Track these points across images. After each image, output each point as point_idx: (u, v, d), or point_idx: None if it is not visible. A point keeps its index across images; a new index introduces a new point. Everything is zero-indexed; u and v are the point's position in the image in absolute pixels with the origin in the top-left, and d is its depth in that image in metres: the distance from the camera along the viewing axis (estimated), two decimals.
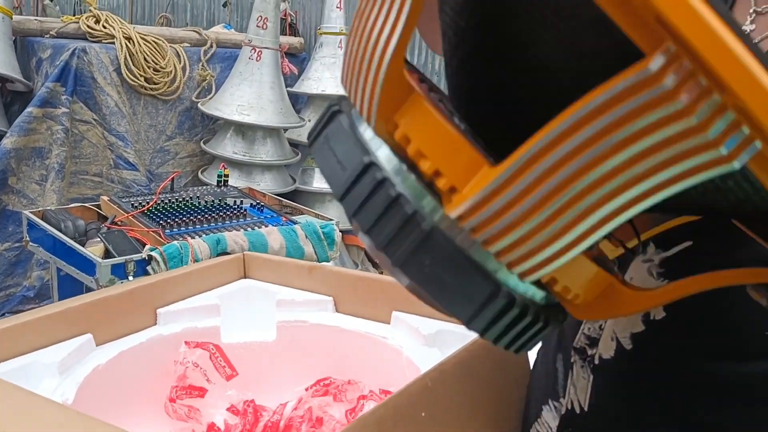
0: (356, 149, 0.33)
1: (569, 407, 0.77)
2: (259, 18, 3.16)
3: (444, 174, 0.31)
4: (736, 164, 0.25)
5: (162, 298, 1.00)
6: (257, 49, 3.14)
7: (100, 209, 2.27)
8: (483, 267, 0.32)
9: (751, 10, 0.64)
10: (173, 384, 0.93)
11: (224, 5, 6.60)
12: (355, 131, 0.33)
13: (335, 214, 2.71)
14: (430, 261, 0.32)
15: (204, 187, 2.56)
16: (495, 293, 0.32)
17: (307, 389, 0.96)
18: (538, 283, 0.34)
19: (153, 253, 1.84)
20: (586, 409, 0.75)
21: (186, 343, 0.95)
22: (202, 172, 3.29)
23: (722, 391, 0.62)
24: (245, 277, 1.14)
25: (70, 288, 2.05)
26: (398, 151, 0.32)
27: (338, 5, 3.54)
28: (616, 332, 0.71)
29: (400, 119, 0.32)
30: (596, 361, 0.72)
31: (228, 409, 0.94)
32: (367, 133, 0.33)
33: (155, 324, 0.98)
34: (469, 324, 0.34)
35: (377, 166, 0.32)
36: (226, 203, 2.33)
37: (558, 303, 0.37)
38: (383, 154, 0.32)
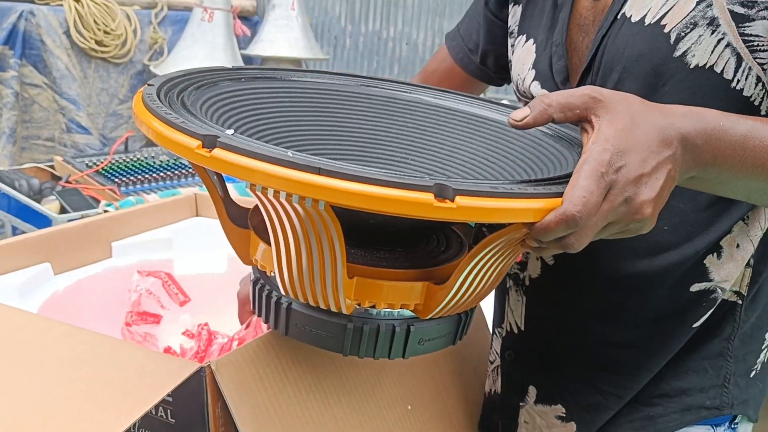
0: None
1: (508, 329, 0.85)
2: None
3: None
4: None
5: (117, 232, 1.05)
6: (209, 10, 3.14)
7: (54, 170, 2.28)
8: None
9: None
10: (128, 310, 0.98)
11: None
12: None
13: None
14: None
15: (158, 148, 2.57)
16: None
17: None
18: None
19: (109, 209, 1.87)
20: (523, 329, 0.82)
21: (138, 272, 1.00)
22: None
23: (639, 282, 0.72)
24: (197, 215, 1.19)
25: None
26: None
27: None
28: None
29: None
30: (527, 283, 0.80)
31: (183, 333, 1.00)
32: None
33: (111, 257, 1.03)
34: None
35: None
36: (181, 162, 2.36)
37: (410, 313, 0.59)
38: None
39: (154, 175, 2.21)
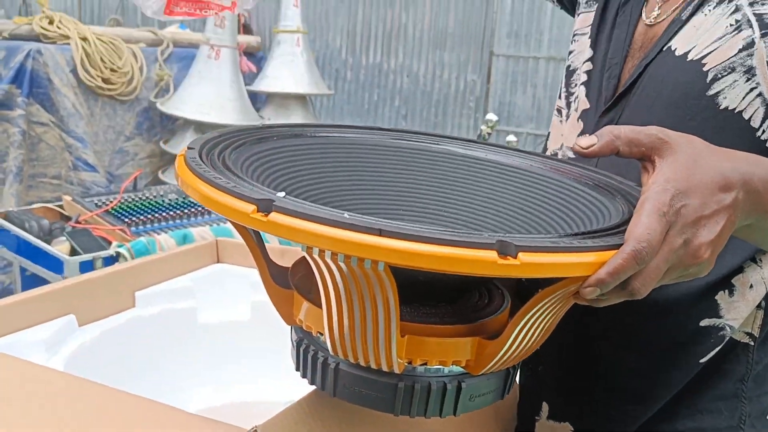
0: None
1: None
2: (217, 17, 3.17)
3: None
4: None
5: (139, 281, 1.03)
6: (216, 48, 3.16)
7: (63, 209, 2.27)
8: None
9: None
10: None
11: None
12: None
13: None
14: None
15: (167, 186, 2.57)
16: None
17: None
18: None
19: (121, 250, 1.86)
20: (539, 348, 0.84)
21: None
22: (162, 173, 3.29)
23: (653, 308, 0.73)
24: (219, 262, 1.18)
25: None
26: None
27: (295, 3, 3.57)
28: None
29: None
30: None
31: None
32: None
33: (134, 306, 1.01)
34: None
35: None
36: (190, 200, 2.36)
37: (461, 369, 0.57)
38: None
39: (164, 214, 2.21)
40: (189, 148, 0.58)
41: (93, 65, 3.09)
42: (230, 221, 0.55)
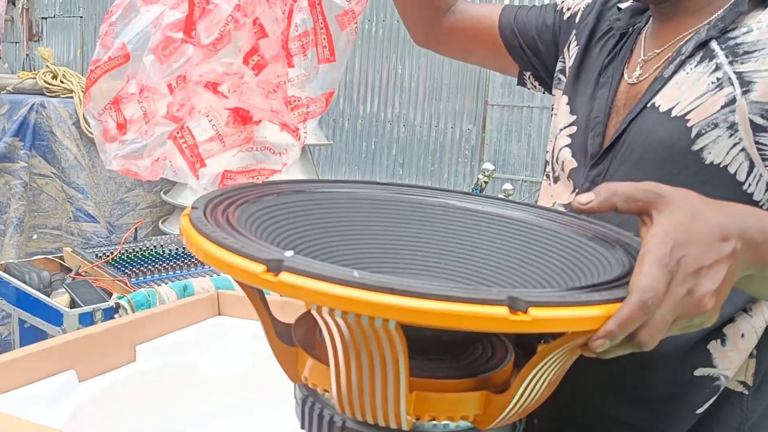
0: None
1: None
2: None
3: None
4: None
5: (140, 335, 1.04)
6: None
7: (63, 261, 2.28)
8: None
9: (640, 59, 0.80)
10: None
11: None
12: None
13: None
14: None
15: (167, 236, 2.58)
16: None
17: None
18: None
19: (121, 301, 1.86)
20: None
21: None
22: (162, 222, 3.30)
23: (644, 358, 0.74)
24: (219, 314, 1.18)
25: (33, 341, 2.04)
26: None
27: None
28: None
29: None
30: None
31: None
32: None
33: (134, 360, 1.01)
34: None
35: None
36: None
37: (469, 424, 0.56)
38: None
39: (164, 264, 2.21)
40: (193, 207, 0.59)
41: None
42: (237, 281, 0.55)
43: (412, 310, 0.44)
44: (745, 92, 0.69)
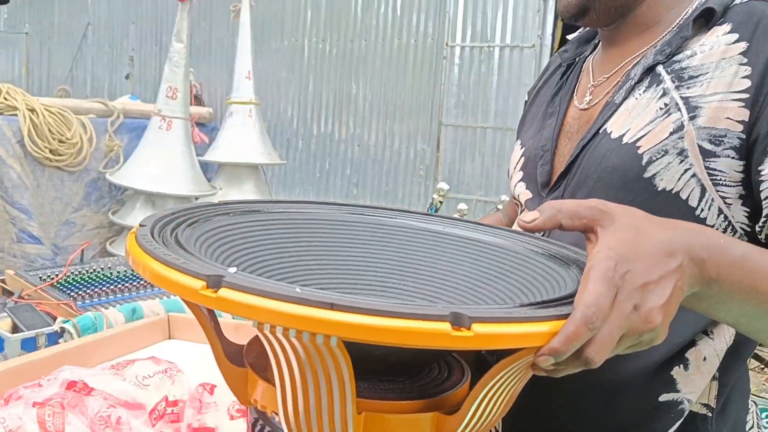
0: None
1: None
2: (169, 88, 3.19)
3: None
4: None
5: (87, 360, 1.00)
6: (167, 119, 3.16)
7: (5, 284, 2.19)
8: None
9: (589, 84, 0.81)
10: None
11: (126, 77, 6.59)
12: None
13: None
14: None
15: (115, 258, 2.51)
16: None
17: None
18: None
19: (66, 326, 1.79)
20: (500, 430, 0.81)
21: None
22: (110, 244, 3.22)
23: (607, 386, 0.74)
24: (170, 338, 1.15)
25: None
26: None
27: (247, 76, 3.62)
28: None
29: None
30: None
31: None
32: None
33: None
34: None
35: None
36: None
37: None
38: None
39: (112, 287, 2.15)
40: (140, 225, 0.57)
41: (40, 136, 3.05)
42: (181, 298, 0.54)
43: (352, 326, 0.43)
44: (692, 118, 0.69)
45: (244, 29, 3.67)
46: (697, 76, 0.70)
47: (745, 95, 0.67)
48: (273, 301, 0.43)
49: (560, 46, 4.92)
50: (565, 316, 0.48)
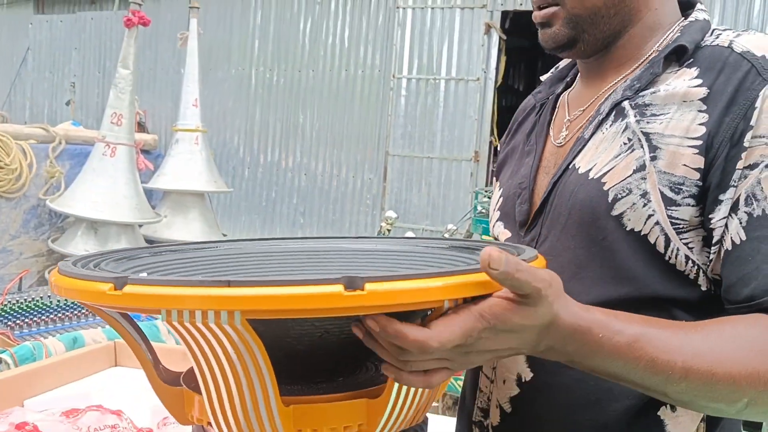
0: None
1: None
2: (114, 114, 3.14)
3: None
4: None
5: (29, 389, 0.97)
6: (111, 146, 3.11)
7: None
8: None
9: (565, 119, 0.81)
10: None
11: (67, 103, 6.45)
12: None
13: None
14: None
15: None
16: None
17: None
18: None
19: (3, 356, 1.73)
20: None
21: None
22: (48, 272, 3.13)
23: (595, 428, 0.72)
24: (116, 365, 1.13)
25: None
26: None
27: (194, 103, 3.60)
28: (498, 399, 0.79)
29: None
30: (490, 430, 0.79)
31: None
32: None
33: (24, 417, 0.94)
34: None
35: None
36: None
37: None
38: None
39: (51, 316, 2.08)
40: (65, 260, 0.59)
41: None
42: (100, 315, 0.57)
43: (251, 298, 0.45)
44: (653, 159, 0.68)
45: (191, 57, 3.66)
46: (658, 115, 0.69)
47: (699, 142, 0.66)
48: (174, 288, 0.46)
49: (504, 80, 5.05)
50: (458, 273, 0.50)
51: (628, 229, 0.68)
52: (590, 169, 0.72)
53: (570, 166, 0.75)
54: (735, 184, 0.65)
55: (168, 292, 0.46)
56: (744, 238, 0.64)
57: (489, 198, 2.96)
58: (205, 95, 3.89)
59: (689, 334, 0.60)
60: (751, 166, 0.64)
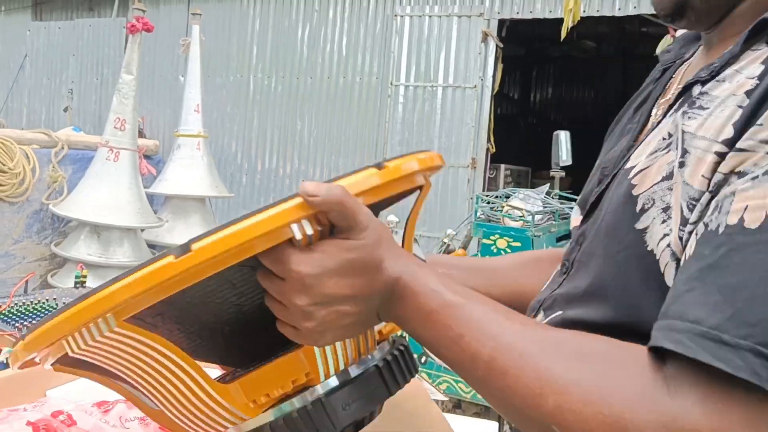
0: None
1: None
2: (117, 119, 3.17)
3: None
4: None
5: (51, 380, 1.00)
6: (115, 150, 3.14)
7: None
8: None
9: (666, 98, 0.69)
10: None
11: (65, 110, 6.47)
12: None
13: None
14: None
15: (60, 289, 2.46)
16: None
17: None
18: None
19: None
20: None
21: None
22: (52, 276, 3.14)
23: None
24: None
25: None
26: None
27: (196, 109, 3.63)
28: None
29: None
30: None
31: None
32: None
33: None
34: None
35: None
36: None
37: None
38: None
39: None
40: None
41: None
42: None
43: (104, 298, 0.47)
44: (681, 165, 0.55)
45: (193, 63, 3.70)
46: (704, 108, 0.57)
47: (724, 148, 0.52)
48: (68, 311, 0.48)
49: (500, 87, 5.10)
50: (273, 204, 0.51)
51: (648, 248, 0.56)
52: (634, 165, 0.61)
53: (624, 165, 0.63)
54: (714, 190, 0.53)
55: (64, 317, 0.48)
56: (690, 252, 0.51)
57: (489, 203, 3.00)
58: (203, 102, 3.93)
59: (523, 327, 0.53)
60: (740, 174, 0.50)
